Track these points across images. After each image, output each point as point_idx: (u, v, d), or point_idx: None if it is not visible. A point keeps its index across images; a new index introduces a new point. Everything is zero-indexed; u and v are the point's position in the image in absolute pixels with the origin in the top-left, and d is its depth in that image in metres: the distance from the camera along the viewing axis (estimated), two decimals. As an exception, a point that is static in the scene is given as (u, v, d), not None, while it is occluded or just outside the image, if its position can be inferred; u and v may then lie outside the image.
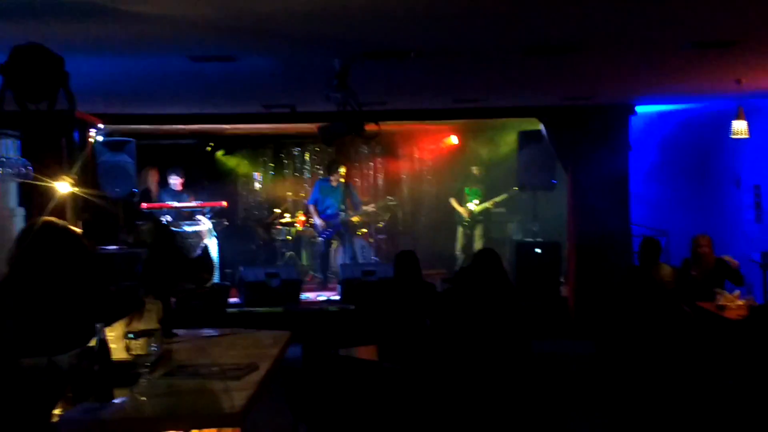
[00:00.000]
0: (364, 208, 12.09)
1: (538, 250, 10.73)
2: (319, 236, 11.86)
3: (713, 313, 7.05)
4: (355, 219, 12.08)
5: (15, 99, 4.15)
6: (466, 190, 12.57)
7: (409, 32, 5.27)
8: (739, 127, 8.13)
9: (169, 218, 10.92)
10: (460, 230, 12.57)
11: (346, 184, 11.97)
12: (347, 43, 5.59)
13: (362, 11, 4.54)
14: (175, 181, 11.45)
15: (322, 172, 13.30)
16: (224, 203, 11.46)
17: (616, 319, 7.14)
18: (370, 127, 7.07)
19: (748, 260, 10.05)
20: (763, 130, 9.92)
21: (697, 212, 11.48)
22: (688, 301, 7.32)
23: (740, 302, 7.08)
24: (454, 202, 12.59)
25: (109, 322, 3.67)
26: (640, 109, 10.50)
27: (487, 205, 12.40)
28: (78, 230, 3.23)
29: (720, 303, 7.09)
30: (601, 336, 7.70)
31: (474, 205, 12.40)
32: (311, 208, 11.86)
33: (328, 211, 11.75)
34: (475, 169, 12.69)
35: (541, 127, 10.41)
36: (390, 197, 13.01)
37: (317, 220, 11.76)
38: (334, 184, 11.78)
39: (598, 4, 4.55)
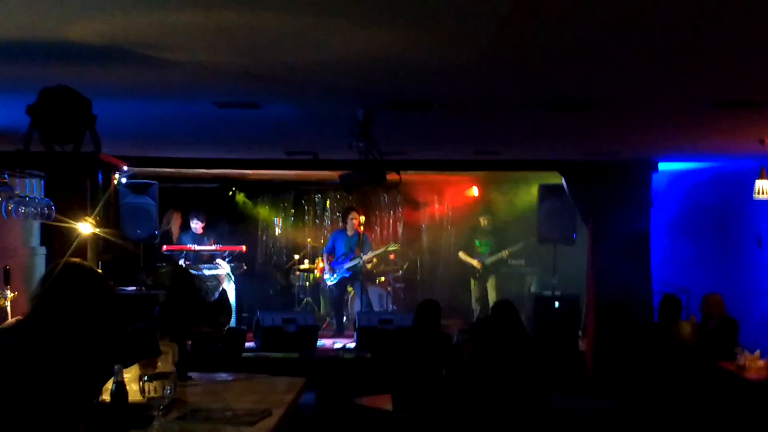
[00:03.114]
0: (371, 253, 12.09)
1: (557, 304, 10.67)
2: (327, 281, 11.99)
3: (733, 373, 6.97)
4: (369, 266, 12.12)
5: (41, 140, 4.22)
6: (477, 242, 12.47)
7: (433, 84, 5.31)
8: (762, 187, 8.10)
9: (186, 261, 10.98)
10: (473, 282, 12.46)
11: (363, 234, 12.06)
12: (371, 94, 5.64)
13: (387, 62, 4.59)
14: (197, 225, 11.55)
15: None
16: (243, 247, 11.52)
17: (635, 376, 7.06)
18: (391, 176, 7.10)
19: (769, 320, 9.93)
20: (786, 190, 9.86)
21: (718, 270, 11.39)
22: (709, 359, 7.24)
23: (761, 363, 7.00)
24: (463, 255, 12.49)
25: (127, 364, 3.68)
26: (663, 165, 10.49)
27: (501, 255, 12.28)
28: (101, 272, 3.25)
29: (740, 363, 7.01)
30: (619, 393, 7.61)
31: (485, 257, 12.27)
32: (325, 257, 12.02)
33: (341, 260, 11.87)
34: (483, 221, 12.57)
35: (563, 180, 10.42)
36: (393, 243, 12.94)
37: (326, 267, 11.94)
38: (350, 233, 11.91)
39: (622, 61, 4.58)
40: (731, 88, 5.39)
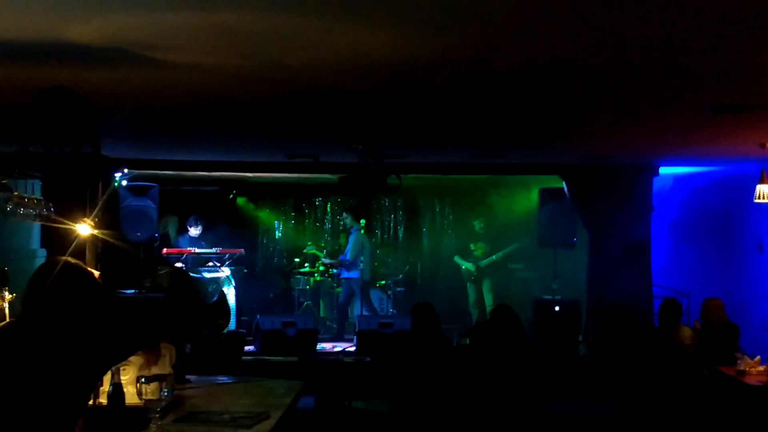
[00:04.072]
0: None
1: (557, 308, 10.65)
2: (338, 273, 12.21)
3: (733, 378, 6.95)
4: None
5: (40, 141, 4.20)
6: (471, 245, 12.49)
7: (433, 86, 5.30)
8: (763, 191, 8.07)
9: (183, 264, 10.96)
10: (469, 286, 12.48)
11: (363, 236, 12.18)
12: (371, 96, 5.63)
13: (387, 64, 4.57)
14: (194, 230, 11.53)
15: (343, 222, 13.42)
16: (241, 250, 11.51)
17: (635, 380, 7.04)
18: (392, 180, 7.09)
19: (769, 325, 9.91)
20: (787, 195, 9.84)
21: (718, 275, 11.36)
22: (709, 364, 7.22)
23: (761, 368, 6.98)
24: (458, 259, 12.55)
25: (122, 358, 3.64)
26: (664, 170, 10.47)
27: (494, 257, 12.28)
28: (95, 271, 3.23)
29: (740, 368, 6.99)
30: (619, 397, 7.59)
31: (480, 260, 12.28)
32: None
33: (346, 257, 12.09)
34: (477, 224, 12.62)
35: (563, 184, 10.40)
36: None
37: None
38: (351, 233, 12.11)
39: (620, 65, 4.57)
40: (731, 92, 5.38)
